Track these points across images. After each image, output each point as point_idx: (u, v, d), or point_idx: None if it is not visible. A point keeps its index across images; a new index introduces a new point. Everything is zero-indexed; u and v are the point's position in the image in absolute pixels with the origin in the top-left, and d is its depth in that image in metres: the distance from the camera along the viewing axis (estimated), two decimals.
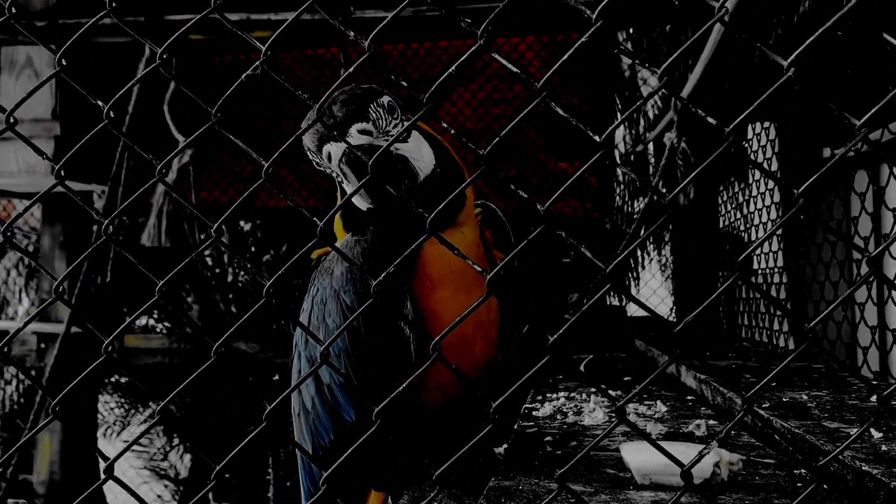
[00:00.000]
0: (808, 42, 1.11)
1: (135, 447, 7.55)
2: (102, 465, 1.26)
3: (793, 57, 1.11)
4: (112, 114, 1.26)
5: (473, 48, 1.17)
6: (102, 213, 4.43)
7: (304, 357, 1.63)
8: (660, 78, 1.15)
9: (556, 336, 1.14)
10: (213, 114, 1.26)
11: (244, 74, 1.26)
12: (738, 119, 1.14)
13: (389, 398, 1.17)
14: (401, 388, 1.18)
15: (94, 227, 4.99)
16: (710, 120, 1.20)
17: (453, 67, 1.21)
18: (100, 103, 1.26)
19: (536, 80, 1.17)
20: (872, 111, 1.10)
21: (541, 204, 1.13)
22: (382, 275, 1.20)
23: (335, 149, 1.53)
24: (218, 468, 1.22)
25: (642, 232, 5.64)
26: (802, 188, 1.13)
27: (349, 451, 1.18)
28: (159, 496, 7.32)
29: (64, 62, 1.27)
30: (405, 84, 1.20)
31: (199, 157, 5.15)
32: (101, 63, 4.97)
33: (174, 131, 4.47)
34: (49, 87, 4.96)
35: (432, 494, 1.14)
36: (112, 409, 7.57)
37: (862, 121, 1.09)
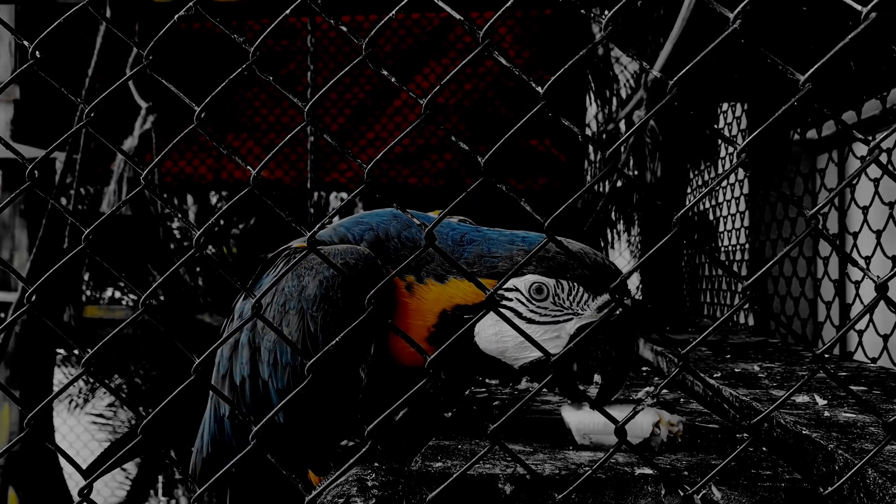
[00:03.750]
0: None
1: (98, 420, 7.47)
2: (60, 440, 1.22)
3: (739, 9, 1.10)
4: (38, 54, 1.21)
5: None
6: (60, 179, 4.34)
7: (246, 331, 1.56)
8: (605, 27, 1.13)
9: (493, 289, 1.12)
10: (145, 56, 1.22)
11: (177, 15, 1.21)
12: (683, 71, 1.12)
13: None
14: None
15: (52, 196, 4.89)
16: (656, 73, 1.18)
17: (394, 11, 1.18)
18: (25, 43, 1.21)
19: (494, 43, 1.14)
20: (816, 66, 1.08)
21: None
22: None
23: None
24: (144, 422, 1.19)
25: (609, 208, 5.64)
26: (744, 143, 1.11)
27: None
28: (123, 468, 7.25)
29: None
30: (345, 29, 1.16)
31: (164, 126, 5.05)
32: (65, 29, 4.85)
33: (136, 97, 4.37)
34: (8, 49, 4.83)
35: (365, 449, 1.12)
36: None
37: (805, 76, 1.08)
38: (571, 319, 1.41)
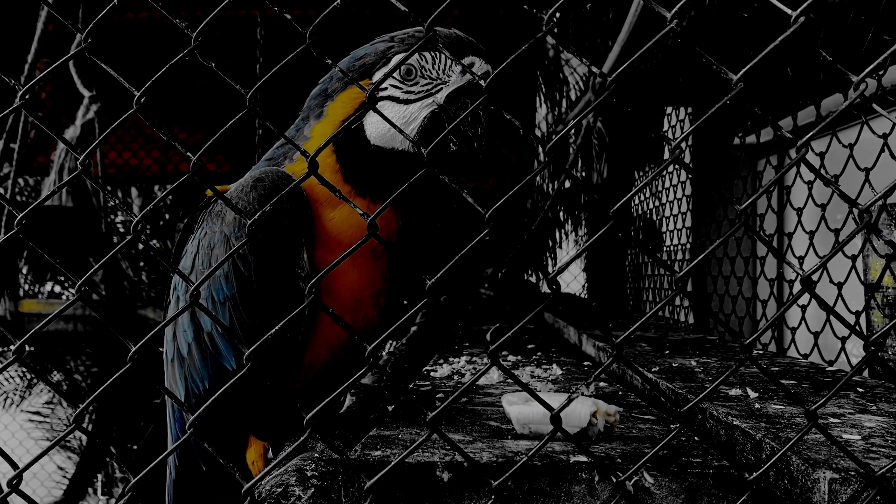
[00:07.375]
0: None
1: (35, 417, 7.26)
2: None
3: (676, 9, 1.13)
4: None
5: None
6: None
7: (183, 301, 1.57)
8: (547, 23, 1.15)
9: (434, 279, 1.13)
10: (84, 39, 1.19)
11: None
12: (622, 68, 1.14)
13: (263, 339, 1.14)
14: (274, 330, 1.15)
15: None
16: (594, 69, 1.20)
17: (338, 1, 1.18)
18: None
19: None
20: (747, 67, 1.12)
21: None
22: (259, 213, 1.16)
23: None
24: (77, 412, 1.17)
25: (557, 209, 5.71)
26: (679, 140, 1.15)
27: (219, 392, 1.15)
28: (61, 468, 7.06)
29: None
30: (288, 17, 1.16)
31: (108, 116, 4.93)
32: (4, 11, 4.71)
33: (79, 85, 4.27)
34: None
35: (303, 437, 1.12)
36: (11, 377, 7.25)
37: (738, 76, 1.12)
38: (441, 89, 1.51)
